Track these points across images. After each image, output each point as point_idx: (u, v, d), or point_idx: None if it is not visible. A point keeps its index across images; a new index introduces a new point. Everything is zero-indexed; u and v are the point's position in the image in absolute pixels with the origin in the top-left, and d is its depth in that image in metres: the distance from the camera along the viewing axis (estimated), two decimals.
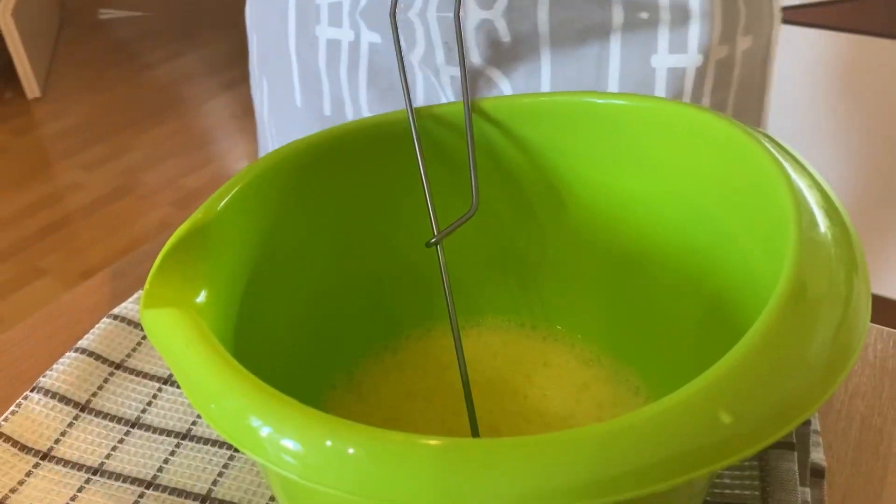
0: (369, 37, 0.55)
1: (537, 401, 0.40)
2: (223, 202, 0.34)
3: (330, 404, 0.40)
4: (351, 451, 0.23)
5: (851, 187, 1.54)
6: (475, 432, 0.36)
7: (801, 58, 1.43)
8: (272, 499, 0.39)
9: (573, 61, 0.51)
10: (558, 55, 0.51)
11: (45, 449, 0.42)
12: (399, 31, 0.52)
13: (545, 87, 0.52)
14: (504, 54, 0.51)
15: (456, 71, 0.53)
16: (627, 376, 0.41)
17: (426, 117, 0.40)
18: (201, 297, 0.31)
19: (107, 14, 3.58)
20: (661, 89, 0.51)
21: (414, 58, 0.53)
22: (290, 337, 0.39)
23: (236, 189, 0.35)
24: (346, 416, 0.39)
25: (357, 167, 0.40)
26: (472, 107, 0.40)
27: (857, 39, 1.38)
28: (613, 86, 0.51)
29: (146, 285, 0.30)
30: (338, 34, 0.56)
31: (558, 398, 0.40)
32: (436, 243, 0.37)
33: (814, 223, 0.28)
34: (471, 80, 0.52)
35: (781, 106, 1.41)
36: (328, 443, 0.23)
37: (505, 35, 0.50)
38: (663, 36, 0.50)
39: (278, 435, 0.24)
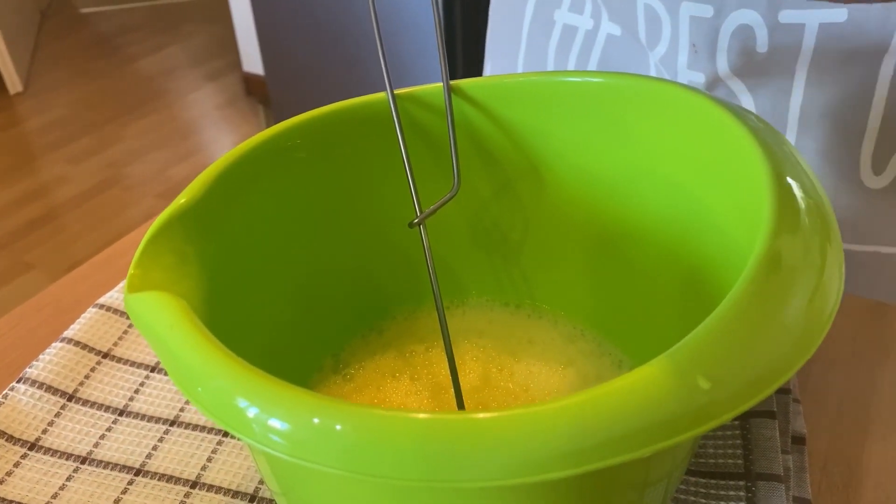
0: (609, 28, 0.53)
1: (523, 377, 0.40)
2: (205, 187, 0.34)
3: (317, 386, 0.41)
4: (338, 427, 0.23)
5: None
6: (461, 408, 0.36)
7: None
8: (262, 482, 0.40)
9: (831, 84, 0.47)
10: (816, 75, 0.46)
11: (32, 439, 0.42)
12: (642, 21, 0.49)
13: (794, 109, 0.48)
14: (755, 67, 0.48)
15: (696, 76, 0.50)
16: (611, 350, 0.41)
17: (407, 99, 0.40)
18: (185, 282, 0.31)
19: (87, 10, 3.56)
20: None
21: (654, 56, 0.51)
22: (276, 320, 0.39)
23: (217, 173, 0.35)
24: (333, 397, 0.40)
25: (339, 149, 0.40)
26: (451, 88, 0.40)
27: None
28: (875, 118, 0.46)
29: (129, 270, 0.30)
30: (576, 21, 0.54)
31: (544, 374, 0.40)
32: (418, 224, 0.37)
33: (788, 193, 0.28)
34: (708, 89, 0.49)
35: None
36: (315, 420, 0.23)
37: (762, 45, 0.46)
38: None
39: (265, 415, 0.24)
